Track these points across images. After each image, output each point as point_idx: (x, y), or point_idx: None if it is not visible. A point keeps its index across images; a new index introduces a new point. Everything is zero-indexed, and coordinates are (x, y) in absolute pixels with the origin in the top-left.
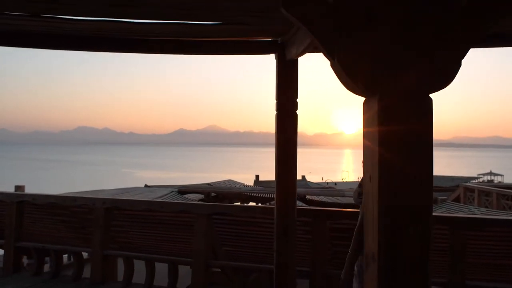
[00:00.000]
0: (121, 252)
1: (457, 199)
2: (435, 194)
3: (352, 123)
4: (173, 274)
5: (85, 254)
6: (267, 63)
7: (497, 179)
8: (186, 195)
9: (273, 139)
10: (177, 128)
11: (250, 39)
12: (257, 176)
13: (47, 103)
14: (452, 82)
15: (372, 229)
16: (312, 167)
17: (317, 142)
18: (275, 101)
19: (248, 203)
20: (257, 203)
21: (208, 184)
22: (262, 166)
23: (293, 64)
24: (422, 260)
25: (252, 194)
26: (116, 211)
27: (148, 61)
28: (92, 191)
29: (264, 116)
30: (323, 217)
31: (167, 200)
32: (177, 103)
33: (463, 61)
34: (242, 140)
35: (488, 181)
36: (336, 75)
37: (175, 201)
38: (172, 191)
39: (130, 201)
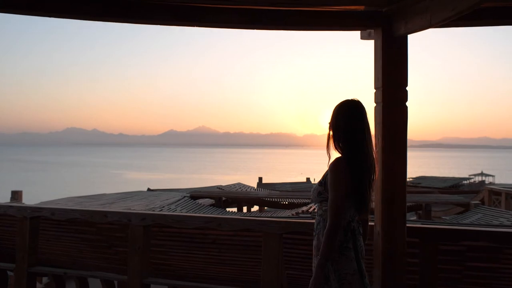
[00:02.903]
0: (167, 281)
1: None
2: (462, 198)
3: None
4: None
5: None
6: (263, 62)
7: (488, 180)
8: (198, 200)
9: (264, 141)
10: (167, 129)
11: (341, 8)
12: (260, 179)
13: (35, 104)
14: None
15: None
16: (303, 168)
17: (307, 143)
18: (375, 89)
19: (253, 206)
20: (261, 207)
21: (218, 187)
22: (255, 167)
23: (403, 42)
24: None
25: (270, 200)
26: (155, 228)
27: (137, 61)
28: (92, 195)
29: (254, 117)
30: (435, 238)
31: (226, 216)
32: (167, 104)
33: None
34: (233, 141)
35: (480, 182)
36: None
37: (237, 216)
38: (185, 196)
39: (179, 217)
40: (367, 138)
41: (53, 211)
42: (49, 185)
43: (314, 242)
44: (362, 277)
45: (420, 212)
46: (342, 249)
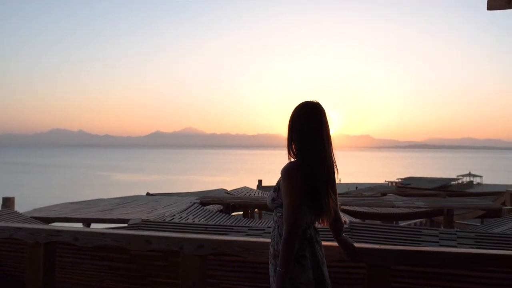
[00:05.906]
0: None
1: None
2: (487, 201)
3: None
4: None
5: None
6: (249, 63)
7: (476, 180)
8: (207, 207)
9: (251, 142)
10: (154, 130)
11: None
12: (260, 181)
13: (19, 105)
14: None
15: None
16: None
17: None
18: None
19: (254, 210)
20: (260, 211)
21: (225, 192)
22: (247, 168)
23: None
24: None
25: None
26: (211, 256)
27: (123, 61)
28: (88, 201)
29: (241, 118)
30: None
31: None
32: (153, 104)
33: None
34: (220, 142)
35: (468, 182)
36: None
37: (330, 243)
38: (194, 203)
39: (248, 244)
40: (325, 141)
41: (75, 235)
42: (40, 189)
43: (270, 250)
44: (316, 287)
45: (442, 218)
46: (298, 258)
